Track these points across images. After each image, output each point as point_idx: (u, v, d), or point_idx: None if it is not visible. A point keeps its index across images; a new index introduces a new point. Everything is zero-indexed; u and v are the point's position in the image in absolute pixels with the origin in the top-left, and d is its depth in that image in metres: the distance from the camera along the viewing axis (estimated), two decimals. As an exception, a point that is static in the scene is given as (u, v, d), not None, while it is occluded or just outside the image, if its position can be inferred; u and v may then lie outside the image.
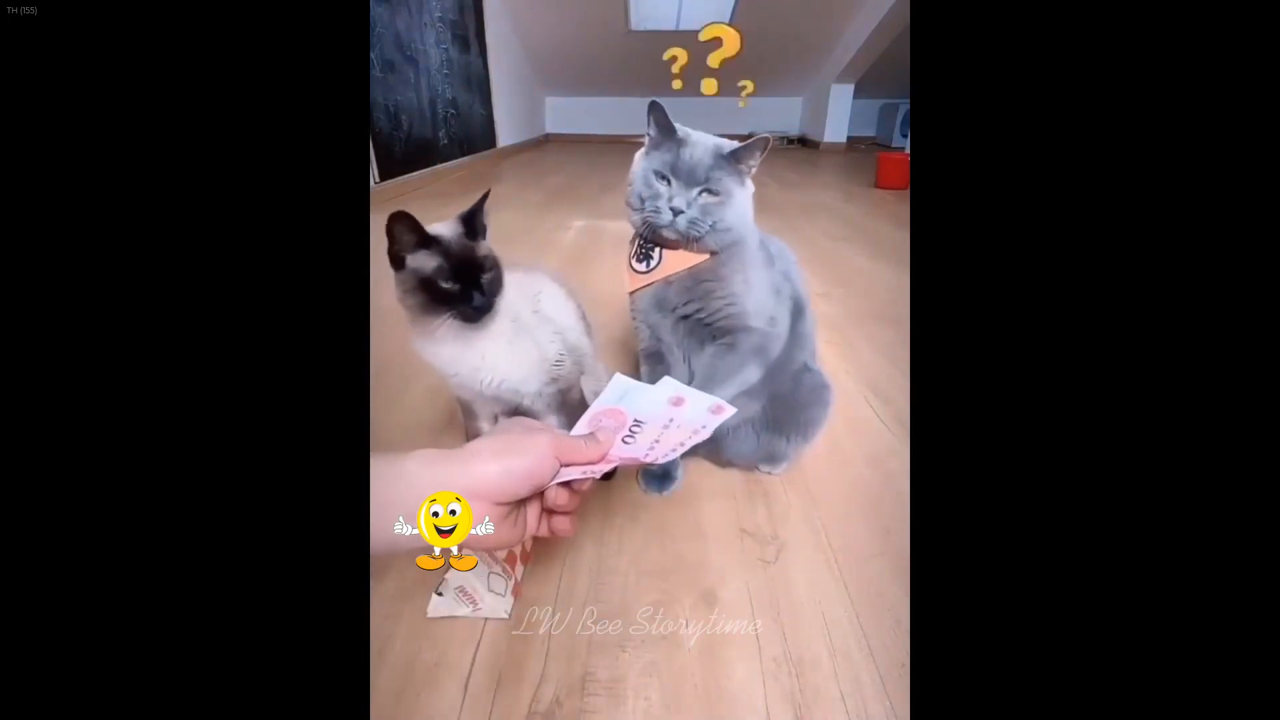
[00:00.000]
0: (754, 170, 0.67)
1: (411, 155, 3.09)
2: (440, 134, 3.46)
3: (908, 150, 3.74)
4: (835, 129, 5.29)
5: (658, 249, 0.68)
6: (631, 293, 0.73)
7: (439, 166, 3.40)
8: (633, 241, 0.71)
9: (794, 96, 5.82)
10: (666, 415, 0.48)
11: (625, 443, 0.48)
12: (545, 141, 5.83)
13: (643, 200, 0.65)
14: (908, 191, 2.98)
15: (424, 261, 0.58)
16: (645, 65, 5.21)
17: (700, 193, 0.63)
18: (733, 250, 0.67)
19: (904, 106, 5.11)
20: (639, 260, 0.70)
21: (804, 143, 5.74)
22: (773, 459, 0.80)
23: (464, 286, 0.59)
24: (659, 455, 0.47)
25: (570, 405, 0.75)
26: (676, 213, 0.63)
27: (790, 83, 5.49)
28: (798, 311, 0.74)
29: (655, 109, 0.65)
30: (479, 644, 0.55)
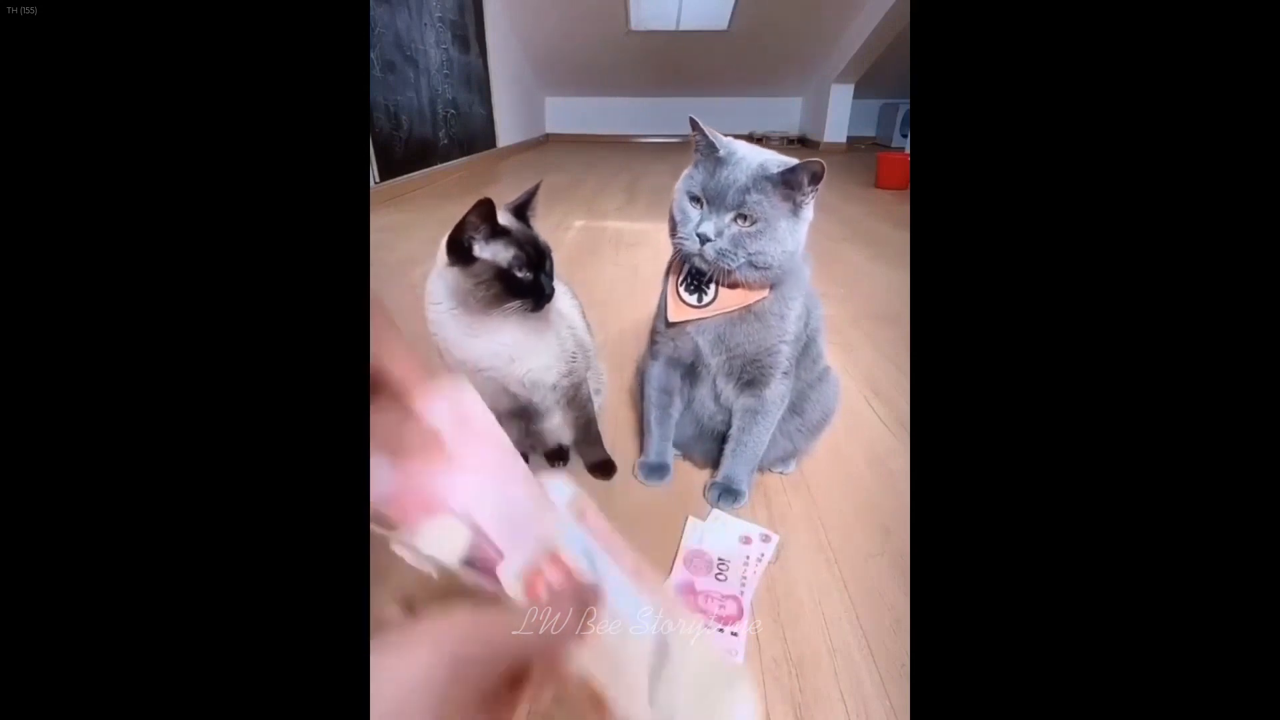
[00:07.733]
0: (811, 200, 0.58)
1: (411, 155, 3.09)
2: (440, 134, 3.46)
3: (908, 150, 3.74)
4: (835, 129, 5.29)
5: (712, 283, 0.62)
6: (675, 323, 0.66)
7: (439, 166, 3.40)
8: (680, 266, 0.65)
9: (794, 96, 5.82)
10: (743, 553, 0.65)
11: (719, 580, 0.62)
12: (545, 141, 5.83)
13: (676, 224, 0.60)
14: (908, 191, 2.99)
15: (499, 252, 0.57)
16: (645, 65, 5.25)
17: (734, 218, 0.57)
18: (785, 289, 0.62)
19: (904, 106, 5.11)
20: (690, 291, 0.64)
21: (804, 143, 5.74)
22: (786, 460, 0.81)
23: (535, 275, 0.59)
24: (750, 593, 0.61)
25: (580, 402, 0.75)
26: (704, 240, 0.57)
27: (790, 83, 5.49)
28: (812, 339, 0.72)
29: (694, 125, 0.58)
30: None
